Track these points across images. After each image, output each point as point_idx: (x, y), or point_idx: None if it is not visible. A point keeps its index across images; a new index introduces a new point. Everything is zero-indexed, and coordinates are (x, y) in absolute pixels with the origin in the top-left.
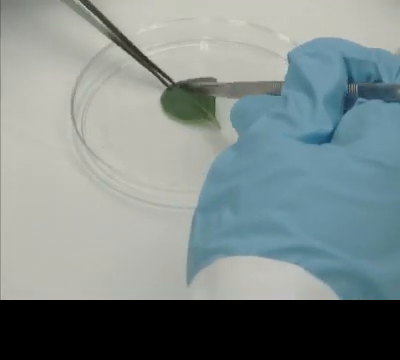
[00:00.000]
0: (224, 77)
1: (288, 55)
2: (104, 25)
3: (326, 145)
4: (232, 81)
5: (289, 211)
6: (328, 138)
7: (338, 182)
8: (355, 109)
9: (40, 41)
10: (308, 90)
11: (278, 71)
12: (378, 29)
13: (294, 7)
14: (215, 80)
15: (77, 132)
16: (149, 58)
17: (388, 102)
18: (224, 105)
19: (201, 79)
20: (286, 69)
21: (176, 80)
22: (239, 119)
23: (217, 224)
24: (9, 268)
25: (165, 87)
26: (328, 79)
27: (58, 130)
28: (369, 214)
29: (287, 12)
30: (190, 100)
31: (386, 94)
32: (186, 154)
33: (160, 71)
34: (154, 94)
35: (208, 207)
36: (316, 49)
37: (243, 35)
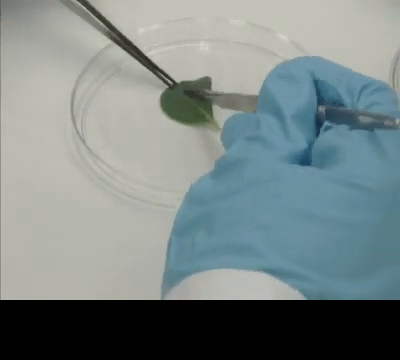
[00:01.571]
0: (224, 77)
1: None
2: (104, 25)
3: (303, 167)
4: (232, 78)
5: (264, 233)
6: (304, 155)
7: (315, 204)
8: (326, 135)
9: (40, 41)
10: (277, 111)
11: None
12: (378, 29)
13: (294, 7)
14: (210, 79)
15: (77, 132)
16: (149, 58)
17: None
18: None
19: (199, 80)
20: None
21: (176, 80)
22: (227, 137)
23: (191, 247)
24: (9, 268)
25: (165, 87)
26: (296, 99)
27: (58, 130)
28: (346, 235)
29: (287, 12)
30: (188, 102)
31: (349, 119)
32: (186, 154)
33: (161, 70)
34: (154, 94)
35: (183, 230)
36: (287, 71)
37: (243, 35)
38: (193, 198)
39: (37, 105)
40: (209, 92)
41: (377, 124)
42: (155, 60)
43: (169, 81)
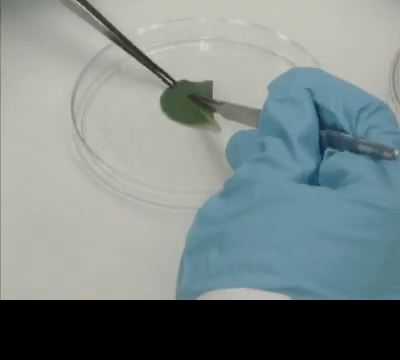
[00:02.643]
0: (224, 77)
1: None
2: (104, 25)
3: (314, 187)
4: (233, 78)
5: (279, 252)
6: (312, 176)
7: (329, 223)
8: (332, 159)
9: (40, 41)
10: (282, 133)
11: (278, 71)
12: (378, 28)
13: (294, 7)
14: (212, 83)
15: (77, 132)
16: (149, 58)
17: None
18: None
19: (201, 84)
20: (286, 69)
21: (176, 80)
22: (232, 155)
23: (205, 265)
24: (9, 268)
25: (165, 87)
26: (300, 122)
27: (58, 130)
28: (361, 254)
29: (287, 12)
30: (189, 103)
31: (349, 146)
32: (186, 154)
33: (161, 70)
34: (154, 94)
35: (195, 249)
36: (286, 93)
37: (243, 35)
38: (204, 218)
39: (37, 105)
40: (213, 100)
41: (377, 154)
42: (155, 60)
43: (169, 81)
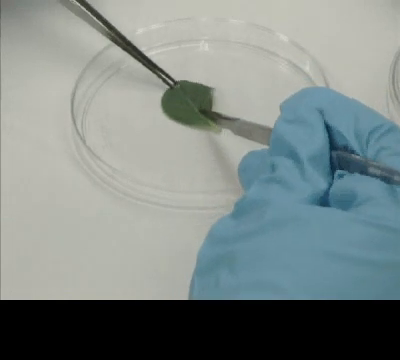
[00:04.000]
0: (224, 77)
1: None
2: (103, 25)
3: (324, 208)
4: (232, 78)
5: (290, 273)
6: (323, 196)
7: (341, 244)
8: (343, 180)
9: (40, 41)
10: (293, 154)
11: (278, 71)
12: (378, 29)
13: (294, 7)
14: (213, 91)
15: (77, 132)
16: (149, 58)
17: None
18: (224, 109)
19: (203, 86)
20: (286, 69)
21: (176, 80)
22: (243, 175)
23: (215, 285)
24: (9, 268)
25: (165, 87)
26: (311, 142)
27: (58, 130)
28: (373, 274)
29: (287, 12)
30: (189, 103)
31: (360, 168)
32: (186, 154)
33: (161, 70)
34: (154, 94)
35: (206, 270)
36: (296, 114)
37: (243, 35)
38: (215, 238)
39: (37, 105)
40: (225, 117)
41: (387, 178)
42: (155, 60)
43: (170, 81)
